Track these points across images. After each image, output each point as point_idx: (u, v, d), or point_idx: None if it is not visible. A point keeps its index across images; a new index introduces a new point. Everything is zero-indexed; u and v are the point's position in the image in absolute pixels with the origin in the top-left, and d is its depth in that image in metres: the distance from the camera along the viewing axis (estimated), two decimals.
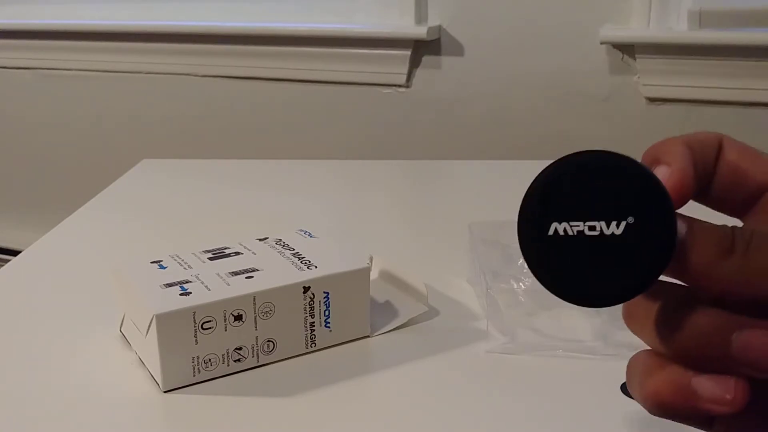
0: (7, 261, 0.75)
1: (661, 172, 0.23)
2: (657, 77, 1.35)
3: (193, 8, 1.68)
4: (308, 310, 0.48)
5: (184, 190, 0.86)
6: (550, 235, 0.22)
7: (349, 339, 0.51)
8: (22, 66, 1.84)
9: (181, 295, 0.45)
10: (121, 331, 0.51)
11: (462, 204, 0.80)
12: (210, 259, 0.51)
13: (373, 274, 0.56)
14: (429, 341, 0.51)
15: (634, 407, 0.44)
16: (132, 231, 0.73)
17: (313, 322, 0.49)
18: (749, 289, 0.21)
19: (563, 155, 0.22)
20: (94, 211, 0.78)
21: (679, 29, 1.31)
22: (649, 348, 0.24)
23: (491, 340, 0.51)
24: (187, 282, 0.47)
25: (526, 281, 0.55)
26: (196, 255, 0.51)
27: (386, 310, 0.54)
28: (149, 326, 0.44)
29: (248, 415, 0.43)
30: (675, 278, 0.22)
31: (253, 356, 0.47)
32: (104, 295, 0.57)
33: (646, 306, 0.23)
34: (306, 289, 0.48)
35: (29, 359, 0.49)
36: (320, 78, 1.58)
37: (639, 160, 0.23)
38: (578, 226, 0.22)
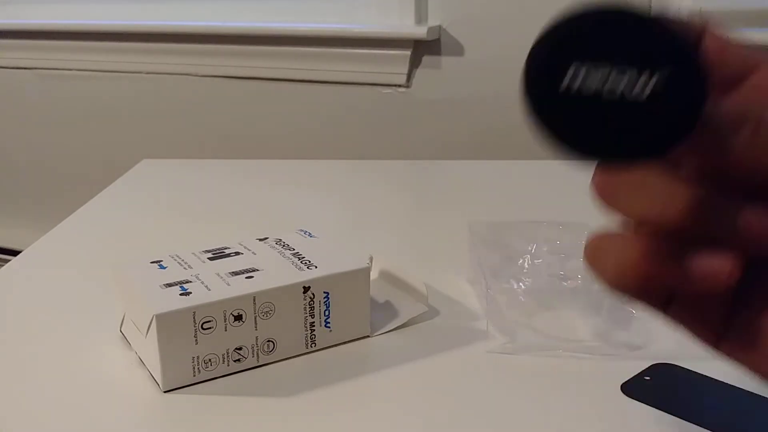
0: (7, 261, 0.75)
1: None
2: None
3: (193, 8, 1.68)
4: (308, 310, 0.48)
5: (184, 190, 0.86)
6: (564, 89, 0.19)
7: (349, 339, 0.51)
8: (22, 66, 1.84)
9: (181, 295, 0.45)
10: (121, 331, 0.51)
11: (462, 204, 0.80)
12: (210, 259, 0.51)
13: (373, 274, 0.56)
14: (429, 341, 0.51)
15: (634, 407, 0.44)
16: (132, 231, 0.73)
17: (313, 322, 0.49)
18: (754, 163, 0.21)
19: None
20: (94, 211, 0.78)
21: None
22: (619, 226, 0.23)
23: (491, 340, 0.51)
24: (187, 282, 0.47)
25: (526, 281, 0.55)
26: (196, 255, 0.51)
27: (386, 310, 0.54)
28: (149, 326, 0.44)
29: (248, 415, 0.43)
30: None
31: (253, 356, 0.47)
32: (104, 295, 0.57)
33: (637, 174, 0.22)
34: (306, 289, 0.48)
35: (29, 359, 0.49)
36: (320, 78, 1.58)
37: None
38: (603, 71, 0.19)
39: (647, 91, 0.19)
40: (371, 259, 0.55)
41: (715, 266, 0.21)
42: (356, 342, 0.51)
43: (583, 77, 0.19)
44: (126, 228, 0.74)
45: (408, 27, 1.47)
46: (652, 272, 0.22)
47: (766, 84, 0.23)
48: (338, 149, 1.62)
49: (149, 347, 0.45)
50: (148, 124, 1.77)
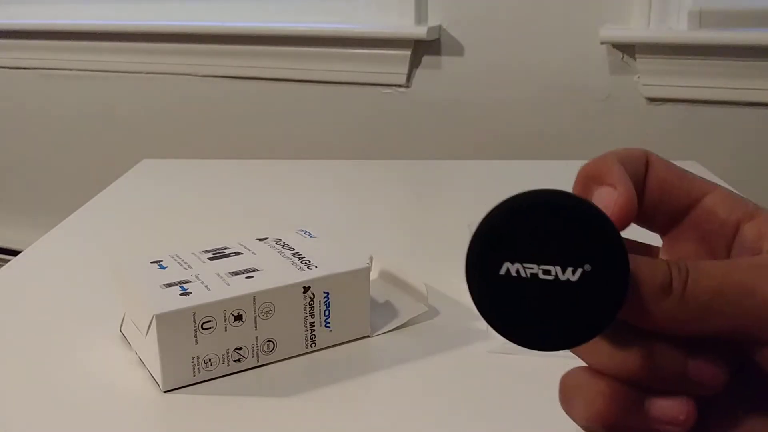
0: (7, 261, 0.75)
1: (607, 193, 0.23)
2: (657, 77, 1.35)
3: (194, 8, 1.68)
4: (308, 310, 0.48)
5: (184, 190, 0.86)
6: (502, 275, 0.21)
7: (349, 339, 0.51)
8: (22, 66, 1.84)
9: (181, 295, 0.45)
10: (121, 331, 0.51)
11: (462, 204, 0.80)
12: (210, 259, 0.51)
13: (373, 274, 0.56)
14: (429, 341, 0.51)
15: None
16: (132, 231, 0.73)
17: (313, 322, 0.49)
18: (687, 326, 0.22)
19: (515, 194, 0.21)
20: (94, 211, 0.78)
21: (679, 29, 1.31)
22: (584, 365, 0.24)
23: (491, 340, 0.51)
24: (187, 282, 0.47)
25: None
26: (196, 255, 0.51)
27: (386, 310, 0.54)
28: (149, 326, 0.44)
29: (248, 415, 0.43)
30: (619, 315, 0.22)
31: (253, 356, 0.47)
32: (104, 295, 0.57)
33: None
34: (306, 289, 0.48)
35: (29, 359, 0.49)
36: (320, 78, 1.58)
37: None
38: (532, 268, 0.21)
39: (575, 281, 0.21)
40: (371, 259, 0.55)
41: (672, 413, 0.23)
42: (356, 342, 0.51)
43: (516, 270, 0.21)
44: (126, 228, 0.74)
45: (408, 27, 1.47)
46: (617, 419, 0.23)
47: (703, 218, 0.25)
48: (338, 149, 1.62)
49: (149, 347, 0.45)
50: (148, 124, 1.77)
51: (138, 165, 0.94)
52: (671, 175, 0.25)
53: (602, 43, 1.36)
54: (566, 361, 0.50)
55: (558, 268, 0.21)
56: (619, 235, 0.21)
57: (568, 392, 0.25)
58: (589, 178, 0.24)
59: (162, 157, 1.01)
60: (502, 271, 0.21)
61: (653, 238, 0.27)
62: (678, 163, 0.27)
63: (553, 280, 0.21)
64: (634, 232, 0.22)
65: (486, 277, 0.21)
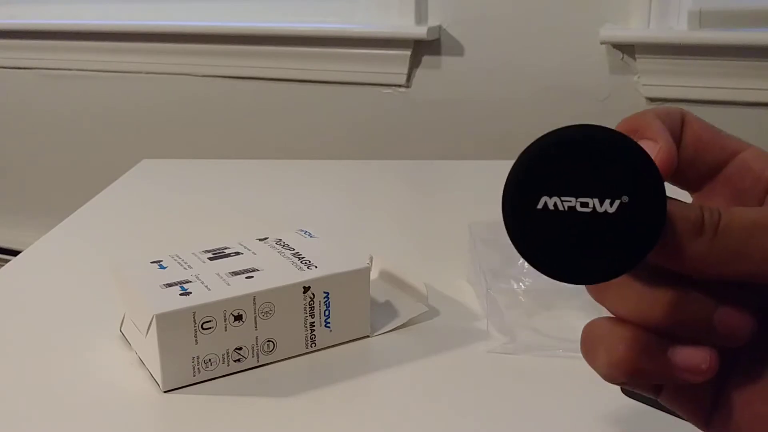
0: (7, 261, 0.75)
1: (649, 148, 0.23)
2: (657, 77, 1.35)
3: (194, 8, 1.68)
4: (308, 310, 0.48)
5: (184, 190, 0.86)
6: (539, 209, 0.21)
7: (349, 339, 0.51)
8: (22, 66, 1.84)
9: (181, 295, 0.45)
10: (121, 331, 0.51)
11: (462, 204, 0.80)
12: (210, 259, 0.51)
13: (373, 274, 0.56)
14: (429, 341, 0.51)
15: (634, 407, 0.44)
16: (132, 231, 0.73)
17: (313, 322, 0.49)
18: (717, 268, 0.22)
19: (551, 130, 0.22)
20: (94, 211, 0.78)
21: (679, 29, 1.31)
22: (609, 315, 0.24)
23: (491, 340, 0.51)
24: (187, 282, 0.47)
25: (526, 281, 0.55)
26: (196, 255, 0.51)
27: (386, 310, 0.54)
28: (149, 326, 0.44)
29: (248, 415, 0.43)
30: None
31: (253, 356, 0.47)
32: (104, 295, 0.57)
33: (620, 278, 0.23)
34: (306, 289, 0.48)
35: (29, 359, 0.49)
36: (320, 78, 1.58)
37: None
38: (570, 201, 0.21)
39: (612, 213, 0.21)
40: (371, 259, 0.55)
41: (694, 361, 0.23)
42: (356, 342, 0.51)
43: (554, 204, 0.21)
44: (126, 228, 0.74)
45: (408, 27, 1.47)
46: (639, 366, 0.23)
47: (737, 174, 0.25)
48: (338, 149, 1.62)
49: (149, 347, 0.45)
50: (148, 124, 1.77)
51: (138, 165, 0.94)
52: (707, 132, 0.26)
53: (602, 43, 1.36)
54: (566, 361, 0.50)
55: (596, 200, 0.21)
56: (657, 168, 0.21)
57: (591, 341, 0.25)
58: (629, 131, 0.24)
59: (162, 157, 1.01)
60: (540, 205, 0.21)
61: (683, 197, 0.27)
62: None
63: (591, 212, 0.21)
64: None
65: (523, 212, 0.21)
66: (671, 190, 0.26)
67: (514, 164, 0.22)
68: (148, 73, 1.73)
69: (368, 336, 0.51)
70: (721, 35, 1.27)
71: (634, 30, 1.34)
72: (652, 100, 1.37)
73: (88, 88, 1.80)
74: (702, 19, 1.28)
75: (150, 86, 1.74)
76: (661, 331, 0.23)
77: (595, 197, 0.21)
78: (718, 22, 1.28)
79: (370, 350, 0.50)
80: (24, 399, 0.45)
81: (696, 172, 0.26)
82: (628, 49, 1.36)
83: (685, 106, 1.19)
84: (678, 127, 0.26)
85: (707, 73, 1.31)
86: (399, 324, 0.53)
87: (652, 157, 0.22)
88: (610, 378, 0.24)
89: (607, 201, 0.21)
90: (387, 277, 0.58)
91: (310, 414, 0.43)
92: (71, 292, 0.59)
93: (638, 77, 1.36)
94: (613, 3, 1.35)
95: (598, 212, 0.21)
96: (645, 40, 1.33)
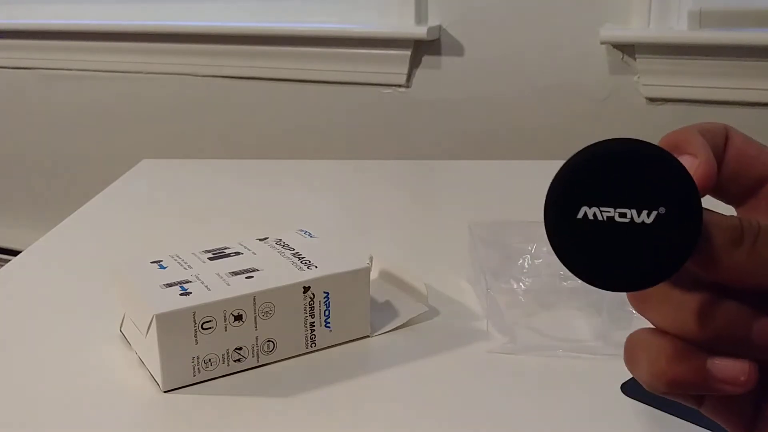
0: (7, 261, 0.75)
1: (688, 163, 0.24)
2: (657, 77, 1.35)
3: (193, 8, 1.68)
4: (308, 310, 0.48)
5: (184, 190, 0.86)
6: (579, 219, 0.22)
7: (349, 339, 0.51)
8: (22, 66, 1.84)
9: (181, 295, 0.45)
10: (121, 331, 0.51)
11: (462, 204, 0.80)
12: (210, 259, 0.51)
13: (373, 274, 0.56)
14: (429, 341, 0.51)
15: (634, 407, 0.44)
16: (132, 231, 0.73)
17: (313, 322, 0.49)
18: (756, 279, 0.22)
19: (590, 143, 0.23)
20: (94, 211, 0.78)
21: (679, 29, 1.31)
22: (651, 326, 0.25)
23: (491, 340, 0.51)
24: (187, 282, 0.47)
25: (526, 281, 0.55)
26: (196, 255, 0.51)
27: (386, 310, 0.54)
28: (149, 326, 0.44)
29: (248, 415, 0.43)
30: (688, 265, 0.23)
31: (253, 356, 0.47)
32: (104, 295, 0.57)
33: (660, 289, 0.24)
34: (306, 289, 0.48)
35: (29, 359, 0.49)
36: (320, 78, 1.58)
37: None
38: (609, 212, 0.22)
39: (649, 224, 0.22)
40: (371, 259, 0.55)
41: (733, 372, 0.23)
42: (356, 342, 0.51)
43: (593, 214, 0.22)
44: (126, 228, 0.74)
45: (408, 27, 1.47)
46: (678, 377, 0.24)
47: None
48: (338, 149, 1.62)
49: (149, 347, 0.45)
50: (148, 124, 1.77)
51: (138, 165, 0.94)
52: (750, 147, 0.26)
53: (602, 43, 1.36)
54: (566, 361, 0.50)
55: (633, 211, 0.22)
56: (693, 181, 0.22)
57: (633, 352, 0.25)
58: (670, 147, 0.25)
59: (162, 157, 1.01)
60: (580, 215, 0.22)
61: (727, 211, 0.27)
62: None
63: (629, 222, 0.22)
64: (707, 203, 0.23)
65: (564, 221, 0.23)
66: (715, 205, 0.26)
67: (557, 174, 0.23)
68: (148, 73, 1.73)
69: (368, 336, 0.51)
70: (721, 35, 1.27)
71: (634, 30, 1.34)
72: (652, 100, 1.37)
73: (88, 88, 1.80)
74: (702, 19, 1.28)
75: (150, 86, 1.74)
76: (700, 342, 0.23)
77: (632, 208, 0.22)
78: (718, 22, 1.28)
79: (370, 350, 0.50)
80: (24, 399, 0.45)
81: (739, 187, 0.26)
82: (628, 49, 1.36)
83: (685, 106, 1.19)
84: (721, 143, 0.26)
85: (707, 73, 1.31)
86: (399, 324, 0.53)
87: (691, 172, 0.22)
88: (651, 388, 0.25)
89: (645, 212, 0.22)
90: (387, 277, 0.58)
91: (310, 414, 0.43)
92: (71, 292, 0.59)
93: (638, 77, 1.36)
94: (613, 3, 1.35)
95: (635, 223, 0.22)
96: (645, 40, 1.33)
